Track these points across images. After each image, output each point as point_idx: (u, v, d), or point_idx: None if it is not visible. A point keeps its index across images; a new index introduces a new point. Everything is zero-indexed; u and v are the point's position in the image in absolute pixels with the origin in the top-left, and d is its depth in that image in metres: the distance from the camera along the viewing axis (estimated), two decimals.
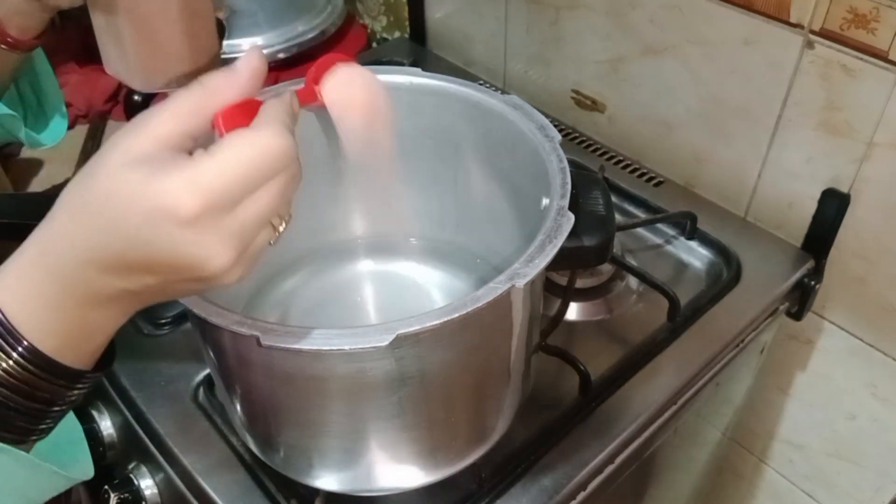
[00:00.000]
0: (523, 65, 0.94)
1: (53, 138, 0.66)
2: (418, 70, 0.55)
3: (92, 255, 0.33)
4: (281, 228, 0.36)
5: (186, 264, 0.32)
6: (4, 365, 0.35)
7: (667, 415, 0.62)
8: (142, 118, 0.34)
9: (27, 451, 0.39)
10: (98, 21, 0.51)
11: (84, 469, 0.43)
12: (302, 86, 0.45)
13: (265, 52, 0.97)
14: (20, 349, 0.35)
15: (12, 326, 0.35)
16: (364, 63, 0.48)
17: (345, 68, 0.46)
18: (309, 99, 0.45)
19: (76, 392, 0.38)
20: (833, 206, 0.70)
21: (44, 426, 0.39)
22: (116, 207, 0.32)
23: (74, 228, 0.33)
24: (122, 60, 0.51)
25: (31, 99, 0.66)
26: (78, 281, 0.34)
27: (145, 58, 0.51)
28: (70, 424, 0.45)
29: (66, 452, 0.42)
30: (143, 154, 0.32)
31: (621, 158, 0.86)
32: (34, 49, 0.59)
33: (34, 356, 0.35)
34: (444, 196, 0.60)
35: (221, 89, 0.35)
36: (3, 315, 0.34)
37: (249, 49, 0.36)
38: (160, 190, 0.31)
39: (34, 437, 0.39)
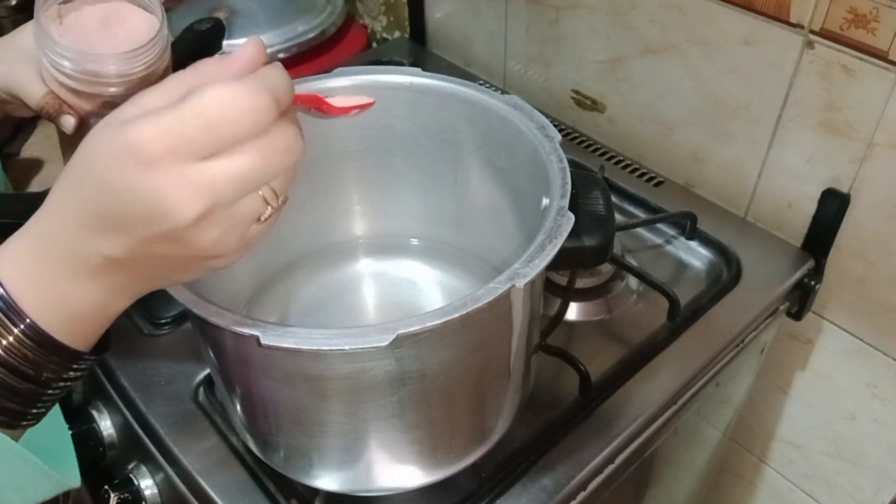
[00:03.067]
0: (523, 65, 0.94)
1: None
2: (418, 70, 0.55)
3: (77, 214, 0.34)
4: (274, 205, 0.35)
5: (152, 212, 0.32)
6: (4, 342, 0.35)
7: (667, 415, 0.62)
8: (137, 95, 0.34)
9: (16, 438, 0.39)
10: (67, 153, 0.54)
11: (71, 477, 0.43)
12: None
13: None
14: (21, 326, 0.35)
15: (14, 302, 0.35)
16: (364, 63, 0.48)
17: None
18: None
19: (72, 374, 0.39)
20: (833, 206, 0.70)
21: (36, 410, 0.39)
22: (94, 160, 0.33)
23: (66, 190, 0.34)
24: None
25: None
26: (68, 246, 0.34)
27: None
28: (59, 433, 0.44)
29: (54, 460, 0.42)
30: (125, 117, 0.33)
31: (621, 158, 0.86)
32: None
33: (34, 333, 0.35)
34: (444, 196, 0.60)
35: (210, 72, 0.35)
36: (5, 291, 0.35)
37: (250, 39, 0.36)
38: (126, 133, 0.31)
39: (25, 423, 0.39)
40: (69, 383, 0.39)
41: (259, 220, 0.35)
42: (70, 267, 0.35)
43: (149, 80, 0.50)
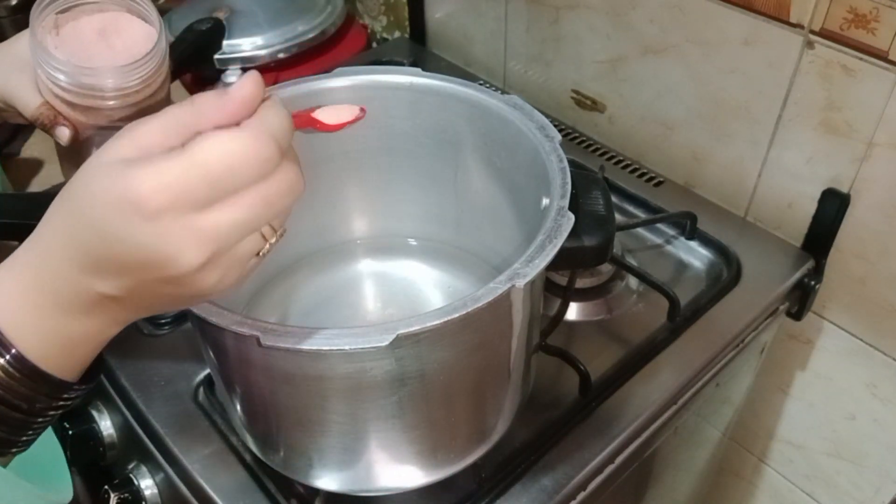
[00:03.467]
0: (523, 65, 0.94)
1: None
2: (418, 70, 0.55)
3: (73, 253, 0.33)
4: (272, 241, 0.35)
5: (153, 261, 0.32)
6: None
7: (667, 415, 0.62)
8: (133, 125, 0.34)
9: (4, 465, 0.38)
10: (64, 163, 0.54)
11: (64, 492, 0.43)
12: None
13: (265, 52, 0.98)
14: (7, 357, 0.35)
15: (1, 333, 0.35)
16: (364, 63, 0.48)
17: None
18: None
19: (60, 404, 0.38)
20: (833, 206, 0.70)
21: (25, 438, 0.38)
22: (93, 203, 0.32)
23: (60, 227, 0.34)
24: None
25: None
26: (61, 283, 0.34)
27: None
28: (51, 447, 0.44)
29: (45, 475, 0.41)
30: (123, 155, 0.32)
31: (621, 158, 0.86)
32: None
33: (20, 364, 0.35)
34: (443, 196, 0.60)
35: (209, 111, 0.34)
36: None
37: (248, 73, 0.35)
38: (128, 182, 0.31)
39: (14, 450, 0.39)
40: (59, 411, 0.39)
41: (258, 254, 0.35)
42: (63, 302, 0.34)
43: (145, 93, 0.50)
